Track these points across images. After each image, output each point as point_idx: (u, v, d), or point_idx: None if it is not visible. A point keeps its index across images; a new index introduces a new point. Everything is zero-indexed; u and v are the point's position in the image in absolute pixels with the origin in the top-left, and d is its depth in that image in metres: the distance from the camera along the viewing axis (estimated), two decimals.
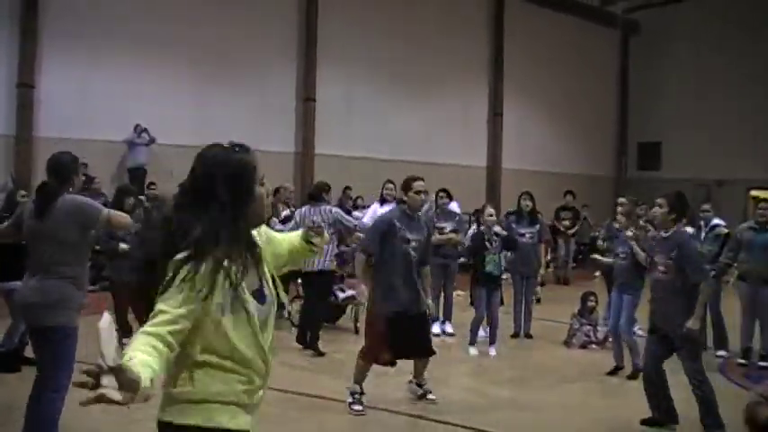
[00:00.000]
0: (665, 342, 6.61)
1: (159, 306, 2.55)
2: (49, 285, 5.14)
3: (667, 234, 6.61)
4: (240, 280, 2.67)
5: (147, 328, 2.52)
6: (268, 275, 2.91)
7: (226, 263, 2.63)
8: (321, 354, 9.39)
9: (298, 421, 6.74)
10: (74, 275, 5.19)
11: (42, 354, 5.25)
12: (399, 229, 7.10)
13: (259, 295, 2.81)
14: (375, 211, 12.07)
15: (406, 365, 7.49)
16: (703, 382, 6.54)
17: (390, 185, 11.85)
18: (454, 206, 12.93)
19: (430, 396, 7.47)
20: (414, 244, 7.15)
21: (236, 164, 2.78)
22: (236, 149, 2.84)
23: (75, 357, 5.20)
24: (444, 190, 11.67)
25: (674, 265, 6.46)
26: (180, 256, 2.58)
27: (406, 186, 7.37)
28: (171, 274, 2.57)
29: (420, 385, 7.57)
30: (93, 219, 5.22)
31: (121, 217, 5.51)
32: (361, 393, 7.08)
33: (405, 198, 7.40)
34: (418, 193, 7.32)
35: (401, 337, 6.92)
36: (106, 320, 2.25)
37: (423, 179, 7.44)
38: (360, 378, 7.10)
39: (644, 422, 6.80)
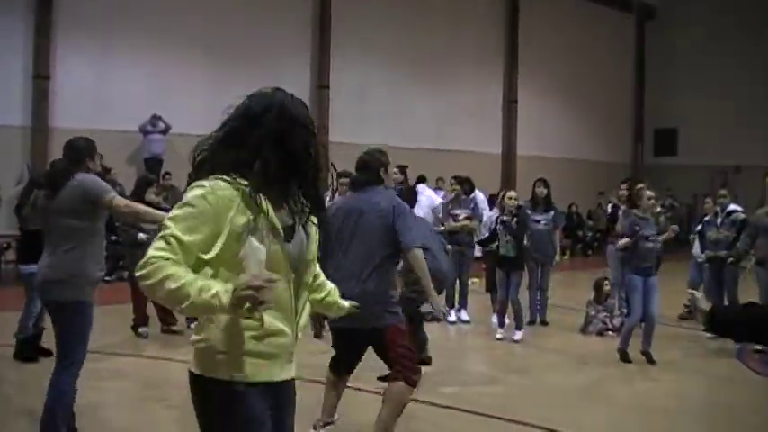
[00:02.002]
0: None
1: None
2: (59, 260, 5.24)
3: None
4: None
5: None
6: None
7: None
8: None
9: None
10: (84, 250, 5.24)
11: (56, 329, 5.34)
12: None
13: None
14: None
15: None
16: None
17: (396, 169, 11.85)
18: (478, 196, 12.96)
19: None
20: None
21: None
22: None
23: (88, 334, 5.24)
24: (456, 177, 11.68)
25: None
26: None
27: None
28: None
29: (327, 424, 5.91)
30: (97, 197, 5.21)
31: (127, 207, 5.39)
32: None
33: None
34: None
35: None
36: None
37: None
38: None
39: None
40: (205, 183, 2.69)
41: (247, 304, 2.45)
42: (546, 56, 24.42)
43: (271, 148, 2.78)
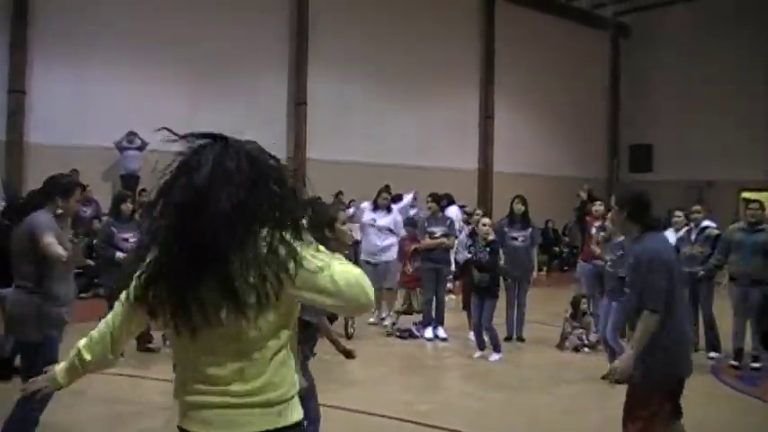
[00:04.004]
0: None
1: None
2: (18, 299, 5.17)
3: None
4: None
5: None
6: None
7: None
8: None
9: None
10: (42, 291, 5.14)
11: (21, 362, 5.29)
12: None
13: None
14: (364, 211, 12.17)
15: (397, 371, 7.47)
16: None
17: (386, 195, 12.01)
18: (454, 210, 13.06)
19: None
20: None
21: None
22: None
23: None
24: (431, 195, 11.76)
25: None
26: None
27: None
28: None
29: None
30: (34, 242, 5.13)
31: (52, 249, 5.15)
32: None
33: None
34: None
35: None
36: None
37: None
38: None
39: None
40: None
41: None
42: (522, 72, 24.57)
43: None
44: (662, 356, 4.88)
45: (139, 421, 6.65)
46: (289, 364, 2.66)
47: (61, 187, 5.38)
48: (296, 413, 2.64)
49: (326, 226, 4.91)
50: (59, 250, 5.14)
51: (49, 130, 15.56)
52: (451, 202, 15.02)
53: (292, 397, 2.65)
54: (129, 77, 16.81)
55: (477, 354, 9.99)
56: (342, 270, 2.51)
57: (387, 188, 12.23)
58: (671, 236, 10.91)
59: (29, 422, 5.15)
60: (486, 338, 10.08)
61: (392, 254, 11.94)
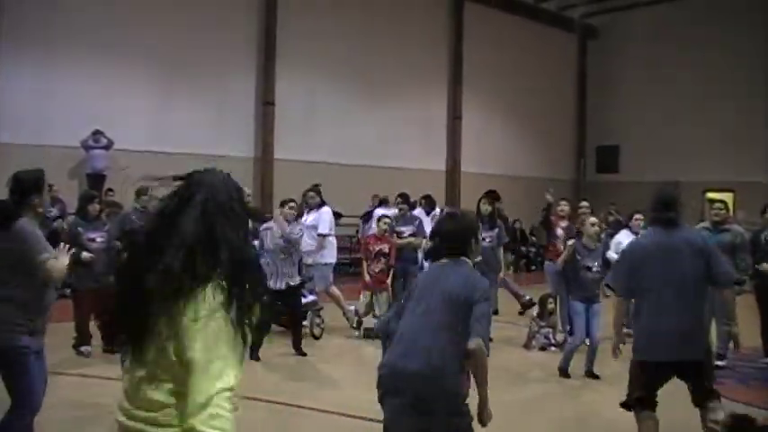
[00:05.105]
0: None
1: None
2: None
3: None
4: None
5: None
6: None
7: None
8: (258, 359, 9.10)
9: (265, 427, 6.70)
10: (14, 297, 5.02)
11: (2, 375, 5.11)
12: None
13: None
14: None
15: (365, 372, 7.44)
16: None
17: (312, 193, 11.66)
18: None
19: None
20: None
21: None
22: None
23: (31, 382, 5.06)
24: (401, 195, 11.76)
25: None
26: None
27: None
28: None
29: None
30: (31, 256, 5.02)
31: (54, 271, 5.13)
32: None
33: None
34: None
35: None
36: None
37: None
38: None
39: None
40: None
41: None
42: (490, 73, 24.69)
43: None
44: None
45: (102, 425, 6.59)
46: None
47: (34, 183, 5.26)
48: None
49: (473, 236, 4.61)
50: (57, 266, 5.12)
51: (15, 129, 15.38)
52: (433, 206, 15.00)
53: None
54: (96, 77, 16.68)
55: None
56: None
57: (315, 186, 12.00)
58: (628, 236, 10.89)
59: None
60: None
61: (323, 256, 11.43)
